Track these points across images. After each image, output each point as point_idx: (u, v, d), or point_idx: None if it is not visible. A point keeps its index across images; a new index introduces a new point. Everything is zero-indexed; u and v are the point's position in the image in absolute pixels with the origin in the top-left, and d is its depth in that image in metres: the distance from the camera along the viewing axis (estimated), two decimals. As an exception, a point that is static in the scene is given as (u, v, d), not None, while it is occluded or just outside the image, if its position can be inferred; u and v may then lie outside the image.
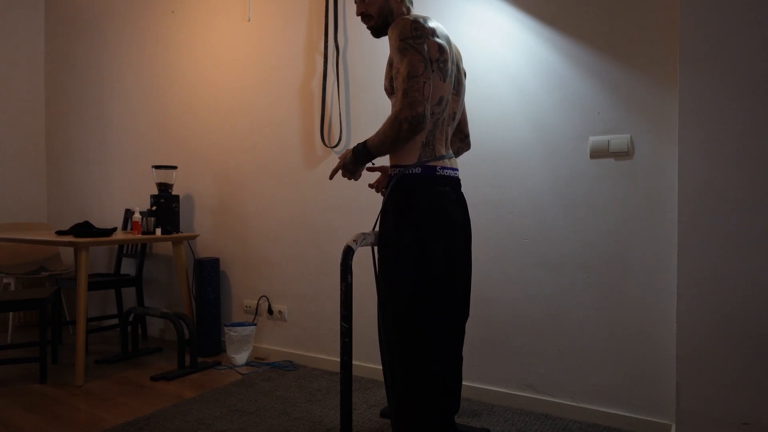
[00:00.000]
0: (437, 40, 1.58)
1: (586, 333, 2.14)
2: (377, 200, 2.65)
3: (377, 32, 1.77)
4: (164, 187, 3.12)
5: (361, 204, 2.71)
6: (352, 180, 1.70)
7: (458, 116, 1.78)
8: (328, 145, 2.83)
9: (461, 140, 1.92)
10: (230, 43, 3.19)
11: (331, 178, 1.73)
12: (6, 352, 3.19)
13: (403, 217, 1.59)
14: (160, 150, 3.55)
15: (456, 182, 1.70)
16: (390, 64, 1.63)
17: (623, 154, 2.06)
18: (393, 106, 1.62)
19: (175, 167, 3.18)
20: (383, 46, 2.64)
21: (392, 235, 1.60)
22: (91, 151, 3.99)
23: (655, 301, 2.02)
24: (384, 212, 1.64)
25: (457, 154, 1.94)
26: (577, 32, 2.14)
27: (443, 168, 1.64)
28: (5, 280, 3.58)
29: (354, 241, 1.62)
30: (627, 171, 2.06)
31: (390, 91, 1.66)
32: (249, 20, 3.11)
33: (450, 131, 1.73)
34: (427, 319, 1.58)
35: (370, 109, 2.70)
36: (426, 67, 1.52)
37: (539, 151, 2.23)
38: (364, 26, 2.68)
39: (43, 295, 2.71)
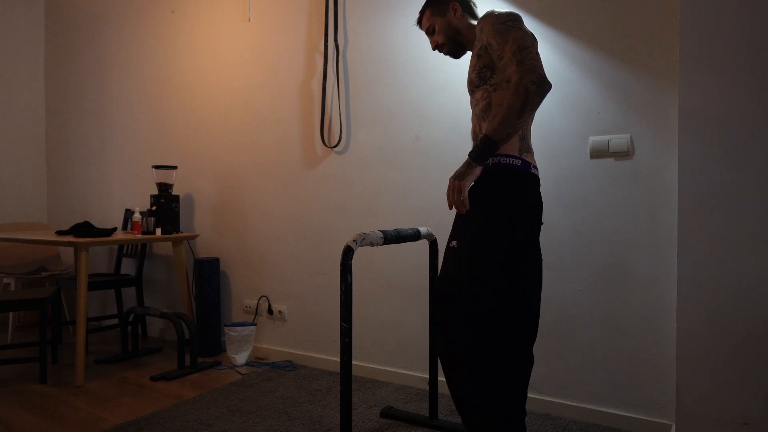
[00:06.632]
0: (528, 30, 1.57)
1: (586, 333, 2.14)
2: (377, 200, 2.65)
3: (455, 54, 1.80)
4: (164, 187, 3.12)
5: (361, 204, 2.71)
6: (461, 198, 1.51)
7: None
8: (327, 145, 2.83)
9: None
10: (230, 43, 3.19)
11: (450, 207, 1.55)
12: (6, 352, 3.19)
13: (498, 207, 1.52)
14: (160, 150, 3.55)
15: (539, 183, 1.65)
16: (479, 55, 1.60)
17: (623, 154, 2.06)
18: (479, 99, 1.60)
19: (175, 167, 3.18)
20: (383, 46, 2.64)
21: (482, 227, 1.52)
22: (91, 151, 3.99)
23: (654, 301, 2.02)
24: (475, 202, 1.53)
25: None
26: (577, 32, 2.14)
27: (534, 166, 1.60)
28: (5, 280, 3.58)
29: (354, 241, 1.62)
30: (627, 171, 2.06)
31: (476, 83, 1.61)
32: (249, 20, 3.11)
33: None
34: (508, 322, 1.51)
35: (370, 109, 2.69)
36: (533, 41, 1.51)
37: (539, 151, 2.23)
38: (364, 26, 2.69)
39: (43, 295, 2.71)
